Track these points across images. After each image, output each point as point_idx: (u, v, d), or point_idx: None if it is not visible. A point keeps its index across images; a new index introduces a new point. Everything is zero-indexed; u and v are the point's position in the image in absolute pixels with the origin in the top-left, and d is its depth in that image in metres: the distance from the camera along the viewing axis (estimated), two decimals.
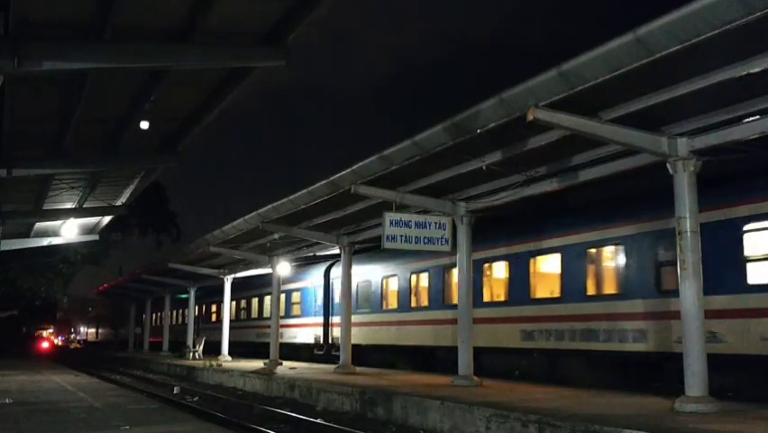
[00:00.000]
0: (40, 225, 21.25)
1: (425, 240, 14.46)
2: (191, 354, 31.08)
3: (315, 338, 25.47)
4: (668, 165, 10.20)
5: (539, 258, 15.98)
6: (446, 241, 14.64)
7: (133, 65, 9.18)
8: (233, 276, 29.43)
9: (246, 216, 20.05)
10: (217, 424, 12.04)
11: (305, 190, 16.40)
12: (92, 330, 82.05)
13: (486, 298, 17.38)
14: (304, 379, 17.12)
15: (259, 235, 21.05)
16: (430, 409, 11.69)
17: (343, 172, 14.52)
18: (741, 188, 11.92)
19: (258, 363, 23.79)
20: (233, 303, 32.11)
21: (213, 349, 30.63)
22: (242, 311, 33.66)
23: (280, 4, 8.41)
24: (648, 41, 8.09)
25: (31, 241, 23.27)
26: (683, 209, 10.05)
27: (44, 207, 18.58)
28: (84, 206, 18.86)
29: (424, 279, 20.01)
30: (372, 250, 20.96)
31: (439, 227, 14.59)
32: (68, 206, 18.82)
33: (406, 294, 20.75)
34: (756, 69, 8.25)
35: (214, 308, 36.87)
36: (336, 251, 21.12)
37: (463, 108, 10.96)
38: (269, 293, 27.32)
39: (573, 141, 10.83)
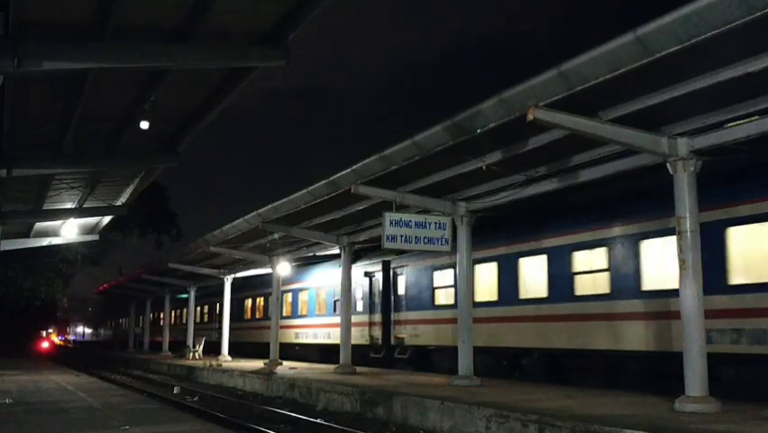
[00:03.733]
0: (40, 225, 21.24)
1: (425, 240, 14.46)
2: (191, 354, 31.09)
3: (372, 339, 21.85)
4: (668, 165, 10.20)
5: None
6: (446, 241, 14.64)
7: (133, 65, 9.18)
8: (232, 276, 29.43)
9: (246, 216, 20.05)
10: (217, 424, 12.04)
11: (305, 190, 16.40)
12: (87, 330, 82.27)
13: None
14: (304, 379, 17.12)
15: (259, 235, 21.05)
16: (430, 409, 11.69)
17: (343, 172, 14.52)
18: None
19: (258, 363, 23.79)
20: (259, 300, 32.10)
21: (238, 350, 30.48)
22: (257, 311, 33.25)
23: (280, 4, 8.40)
24: (648, 41, 8.09)
25: (31, 241, 23.26)
26: (683, 209, 10.05)
27: (44, 207, 18.57)
28: (84, 206, 18.85)
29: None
30: None
31: (439, 227, 14.59)
32: (68, 206, 18.81)
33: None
34: (756, 69, 8.25)
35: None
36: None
37: (463, 108, 10.96)
38: (303, 289, 27.01)
39: (573, 141, 10.83)
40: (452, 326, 16.12)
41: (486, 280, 17.43)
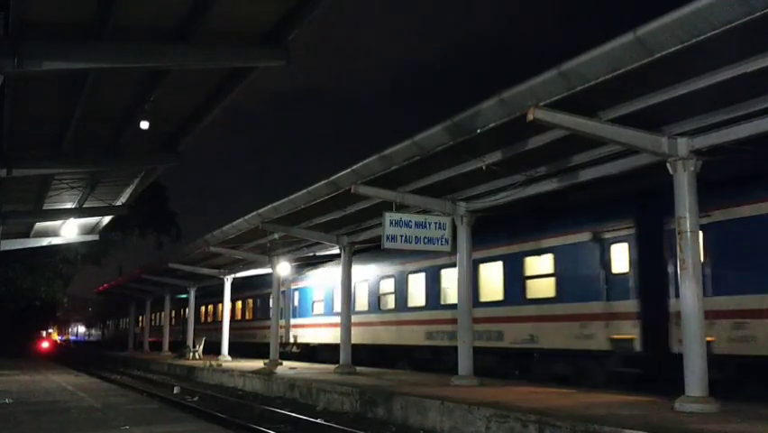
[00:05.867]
0: (40, 225, 21.26)
1: (425, 240, 14.46)
2: (191, 354, 31.10)
3: (614, 344, 16.44)
4: (668, 165, 10.20)
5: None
6: (446, 241, 14.64)
7: (133, 65, 9.20)
8: (232, 276, 29.45)
9: (246, 216, 20.05)
10: (217, 424, 12.04)
11: (305, 190, 16.40)
12: (87, 330, 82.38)
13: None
14: (304, 379, 17.12)
15: (259, 235, 21.04)
16: (430, 409, 11.69)
17: (344, 172, 14.52)
18: None
19: (258, 363, 23.79)
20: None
21: (242, 350, 30.73)
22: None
23: (280, 4, 8.41)
24: (648, 41, 8.09)
25: (31, 241, 23.28)
26: (683, 209, 10.05)
27: (44, 207, 18.59)
28: (84, 206, 18.87)
29: None
30: None
31: (439, 227, 14.58)
32: (68, 206, 18.83)
33: None
34: (756, 69, 8.25)
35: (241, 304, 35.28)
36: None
37: (463, 108, 10.96)
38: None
39: (573, 141, 10.83)
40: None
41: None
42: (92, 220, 21.55)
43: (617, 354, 13.54)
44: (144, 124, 11.42)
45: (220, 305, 32.64)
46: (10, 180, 14.05)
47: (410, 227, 14.27)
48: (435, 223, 14.58)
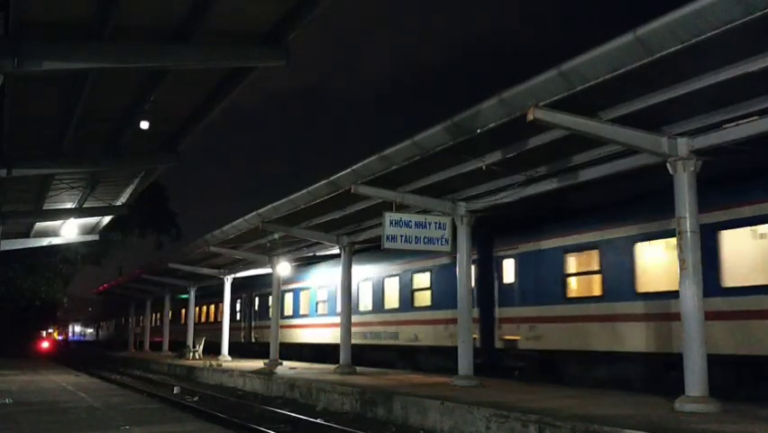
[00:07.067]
0: (40, 225, 21.26)
1: (425, 240, 14.46)
2: (191, 354, 31.10)
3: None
4: (668, 165, 10.20)
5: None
6: (446, 241, 14.64)
7: (133, 65, 9.19)
8: (232, 276, 29.46)
9: (246, 216, 20.05)
10: (217, 424, 12.04)
11: (305, 190, 16.40)
12: (87, 330, 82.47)
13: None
14: (304, 379, 17.12)
15: (259, 235, 21.05)
16: (430, 409, 11.69)
17: (343, 172, 14.52)
18: None
19: (258, 363, 23.79)
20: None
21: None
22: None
23: (280, 4, 8.41)
24: (648, 41, 8.09)
25: (31, 241, 23.28)
26: (683, 209, 10.05)
27: (44, 207, 18.59)
28: (84, 206, 18.87)
29: None
30: None
31: (439, 227, 14.59)
32: (68, 206, 18.83)
33: None
34: (756, 69, 8.25)
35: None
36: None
37: (463, 108, 10.96)
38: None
39: (573, 141, 10.83)
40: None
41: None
42: (92, 220, 21.55)
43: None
44: (144, 124, 11.42)
45: (220, 305, 32.90)
46: (10, 180, 14.05)
47: (410, 227, 14.27)
48: (435, 223, 14.58)
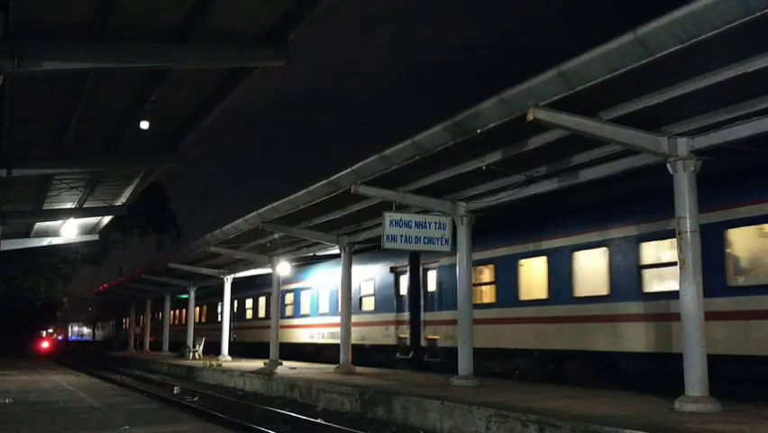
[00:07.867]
0: (40, 225, 21.26)
1: (425, 240, 14.46)
2: (191, 354, 31.09)
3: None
4: (668, 165, 10.20)
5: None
6: (446, 241, 14.64)
7: (133, 65, 9.19)
8: (232, 276, 29.46)
9: (246, 216, 20.05)
10: (217, 424, 12.04)
11: (305, 190, 16.40)
12: (87, 330, 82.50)
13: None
14: (304, 379, 17.12)
15: (259, 235, 21.04)
16: (430, 409, 11.69)
17: (343, 172, 14.52)
18: None
19: (258, 363, 23.79)
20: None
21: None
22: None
23: (280, 4, 8.41)
24: (648, 41, 8.09)
25: (31, 241, 23.29)
26: (683, 209, 10.05)
27: (44, 207, 18.59)
28: (84, 206, 18.87)
29: None
30: None
31: (439, 227, 14.58)
32: (68, 206, 18.83)
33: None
34: (756, 69, 8.25)
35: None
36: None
37: (463, 108, 10.96)
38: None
39: (573, 141, 10.83)
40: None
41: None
42: (92, 220, 21.55)
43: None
44: (144, 124, 11.42)
45: (220, 305, 33.04)
46: (10, 180, 14.05)
47: (410, 227, 14.27)
48: (435, 223, 14.57)
